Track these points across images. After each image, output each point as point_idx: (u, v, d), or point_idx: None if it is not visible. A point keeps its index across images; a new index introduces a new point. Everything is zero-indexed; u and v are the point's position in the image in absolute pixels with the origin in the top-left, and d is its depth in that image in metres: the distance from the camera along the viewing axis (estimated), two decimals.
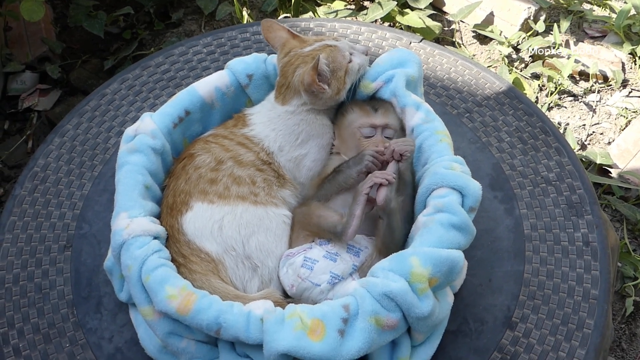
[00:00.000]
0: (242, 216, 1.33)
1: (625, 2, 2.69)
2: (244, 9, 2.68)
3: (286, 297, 1.32)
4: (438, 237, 1.23)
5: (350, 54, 1.45)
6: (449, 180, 1.29)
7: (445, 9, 2.71)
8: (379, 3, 2.53)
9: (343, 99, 1.45)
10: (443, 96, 1.72)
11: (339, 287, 1.29)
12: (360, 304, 1.18)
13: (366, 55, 1.49)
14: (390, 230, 1.28)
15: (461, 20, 2.68)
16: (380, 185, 1.26)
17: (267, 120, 1.45)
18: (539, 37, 2.56)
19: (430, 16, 2.59)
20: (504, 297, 1.40)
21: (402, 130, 1.45)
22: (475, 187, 1.29)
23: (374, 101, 1.47)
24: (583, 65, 2.52)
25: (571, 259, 1.44)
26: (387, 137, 1.42)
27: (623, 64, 2.54)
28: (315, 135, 1.46)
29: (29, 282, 1.45)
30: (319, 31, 1.90)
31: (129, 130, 1.43)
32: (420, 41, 1.86)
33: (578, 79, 2.53)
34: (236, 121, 1.48)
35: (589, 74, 2.50)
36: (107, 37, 2.70)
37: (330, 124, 1.47)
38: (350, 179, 1.35)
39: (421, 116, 1.40)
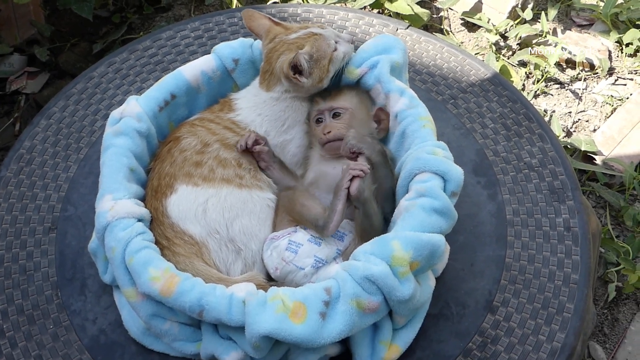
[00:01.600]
0: (226, 199, 1.34)
1: None
2: None
3: (270, 280, 1.33)
4: (420, 222, 1.24)
5: (336, 42, 1.46)
6: (431, 165, 1.30)
7: None
8: None
9: (326, 85, 1.46)
10: (428, 82, 1.73)
11: (323, 271, 1.30)
12: (341, 287, 1.19)
13: (351, 43, 1.50)
14: (367, 217, 1.29)
15: (449, 8, 2.68)
16: (355, 177, 1.27)
17: (252, 106, 1.46)
18: (527, 25, 2.57)
19: (418, 3, 2.59)
20: (486, 281, 1.41)
21: (380, 111, 1.45)
22: (457, 172, 1.30)
23: (329, 89, 1.48)
24: (570, 53, 2.53)
25: (552, 244, 1.45)
26: (335, 115, 1.43)
27: (610, 52, 2.55)
28: (301, 121, 1.47)
29: (13, 263, 1.46)
30: (307, 17, 1.91)
31: (115, 113, 1.43)
32: (407, 28, 1.86)
33: (565, 66, 2.54)
34: (222, 106, 1.48)
35: (575, 61, 2.51)
36: (96, 21, 2.69)
37: None
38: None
39: (405, 102, 1.41)
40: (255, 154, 1.39)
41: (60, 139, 1.64)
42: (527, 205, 1.51)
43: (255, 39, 1.54)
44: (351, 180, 1.27)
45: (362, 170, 1.27)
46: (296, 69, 1.38)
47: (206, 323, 1.26)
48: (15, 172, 1.59)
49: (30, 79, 2.56)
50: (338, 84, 1.49)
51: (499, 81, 1.72)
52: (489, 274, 1.42)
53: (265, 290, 1.22)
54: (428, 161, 1.30)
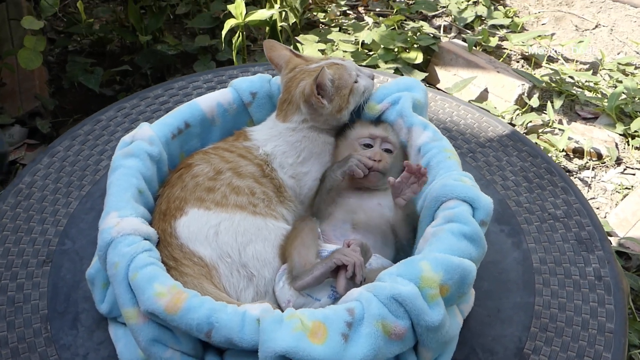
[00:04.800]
0: (240, 224, 1.25)
1: (615, 86, 2.74)
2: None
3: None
4: (449, 246, 1.16)
5: (357, 75, 1.43)
6: (459, 192, 1.23)
7: (439, 85, 2.74)
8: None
9: (345, 119, 1.41)
10: (445, 137, 1.69)
11: (341, 299, 1.19)
12: (366, 308, 1.08)
13: (372, 79, 1.47)
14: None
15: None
16: (342, 267, 1.17)
17: (268, 138, 1.41)
18: (533, 113, 2.57)
19: None
20: (514, 328, 1.31)
21: (404, 156, 1.40)
22: (486, 200, 1.24)
23: (376, 121, 1.44)
24: (576, 142, 2.52)
25: (583, 292, 1.36)
26: (386, 150, 1.38)
27: (616, 143, 2.54)
28: (317, 153, 1.41)
29: (1, 294, 1.34)
30: None
31: (125, 138, 1.37)
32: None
33: (572, 156, 2.52)
34: (237, 137, 1.43)
35: (582, 151, 2.50)
36: (101, 99, 2.68)
37: (333, 142, 1.42)
38: (336, 181, 1.32)
39: (429, 135, 1.36)
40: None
41: (62, 176, 1.57)
42: (555, 254, 1.43)
43: (273, 76, 1.51)
44: (341, 266, 1.17)
45: (353, 264, 1.16)
46: (320, 88, 1.33)
47: (211, 353, 1.15)
48: (12, 205, 1.50)
49: (29, 150, 2.52)
50: (361, 119, 1.44)
51: (518, 137, 1.68)
52: (517, 320, 1.32)
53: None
54: (455, 188, 1.23)
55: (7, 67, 2.49)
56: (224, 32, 2.24)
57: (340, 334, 1.06)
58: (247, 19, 2.25)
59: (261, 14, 2.28)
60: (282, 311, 1.20)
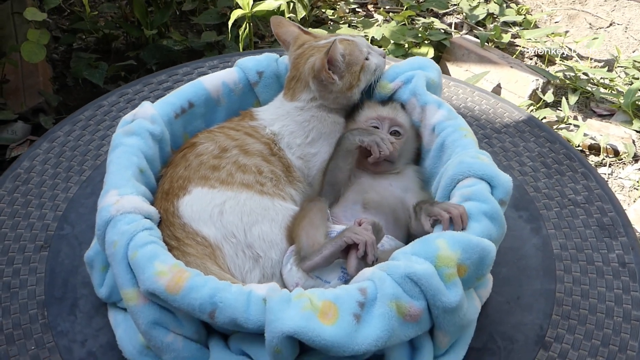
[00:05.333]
0: (246, 203, 1.19)
1: (631, 83, 2.67)
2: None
3: None
4: (467, 225, 1.10)
5: (368, 53, 1.37)
6: (477, 169, 1.17)
7: None
8: None
9: (356, 98, 1.35)
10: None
11: (353, 279, 1.12)
12: (379, 287, 1.02)
13: (383, 57, 1.41)
14: None
15: None
16: (353, 246, 1.10)
17: (275, 117, 1.35)
18: (548, 109, 2.51)
19: None
20: (535, 315, 1.24)
21: (417, 137, 1.34)
22: (505, 178, 1.17)
23: (385, 101, 1.38)
24: (592, 139, 2.45)
25: (607, 279, 1.29)
26: (394, 133, 1.31)
27: (633, 140, 2.47)
28: (326, 133, 1.34)
29: None
30: None
31: (127, 117, 1.32)
32: None
33: (588, 153, 2.45)
34: (243, 117, 1.37)
35: (599, 147, 2.43)
36: None
37: (343, 123, 1.36)
38: (352, 145, 1.25)
39: (443, 113, 1.30)
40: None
41: (62, 161, 1.51)
42: (576, 240, 1.37)
43: (281, 55, 1.46)
44: (351, 245, 1.10)
45: (365, 243, 1.09)
46: (330, 63, 1.27)
47: (215, 338, 1.08)
48: (10, 190, 1.44)
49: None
50: (369, 100, 1.38)
51: (535, 123, 1.62)
52: (538, 308, 1.25)
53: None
54: (473, 165, 1.17)
55: (10, 63, 2.44)
56: (230, 22, 2.19)
57: (352, 314, 0.99)
58: (255, 9, 2.20)
59: (269, 4, 2.22)
60: None
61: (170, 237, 1.16)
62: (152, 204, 1.22)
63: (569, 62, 2.83)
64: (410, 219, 1.22)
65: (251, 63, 1.42)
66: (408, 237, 1.25)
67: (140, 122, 1.28)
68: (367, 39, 2.73)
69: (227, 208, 1.18)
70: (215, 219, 1.17)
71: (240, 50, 2.35)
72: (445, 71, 2.71)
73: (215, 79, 1.40)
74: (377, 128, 1.31)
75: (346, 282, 1.12)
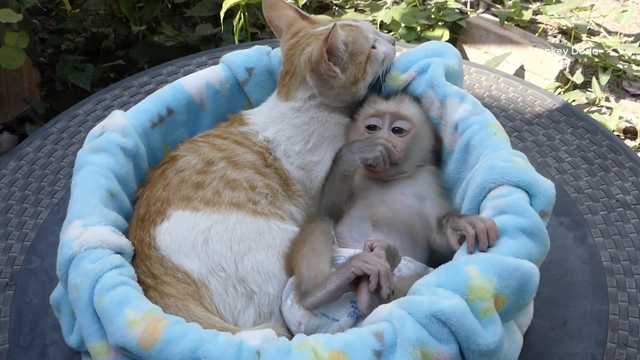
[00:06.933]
0: (236, 227, 1.00)
1: None
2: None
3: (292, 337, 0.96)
4: (502, 244, 0.90)
5: (375, 40, 1.17)
6: (512, 175, 0.97)
7: None
8: None
9: (362, 94, 1.15)
10: None
11: (366, 320, 0.93)
12: (399, 331, 0.83)
13: (393, 45, 1.21)
14: None
15: None
16: (364, 277, 0.91)
17: (269, 121, 1.16)
18: (577, 91, 2.29)
19: None
20: (586, 343, 1.06)
21: (432, 132, 1.14)
22: (546, 185, 0.98)
23: (391, 93, 1.17)
24: (627, 121, 2.24)
25: None
26: (397, 131, 1.10)
27: None
28: (330, 137, 1.15)
29: None
30: None
31: (94, 129, 1.14)
32: None
33: (623, 137, 2.24)
34: (231, 122, 1.18)
35: (635, 131, 2.21)
36: None
37: (348, 123, 1.16)
38: (352, 166, 1.04)
39: (467, 108, 1.10)
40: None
41: (31, 182, 1.32)
42: (628, 249, 1.17)
43: (273, 48, 1.26)
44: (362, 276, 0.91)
45: (378, 272, 0.90)
46: (330, 53, 1.07)
47: None
48: None
49: None
50: (378, 94, 1.18)
51: (572, 111, 1.41)
52: (589, 334, 1.07)
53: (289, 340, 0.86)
54: (507, 170, 0.97)
55: None
56: (222, 12, 1.99)
57: None
58: None
59: None
60: (292, 336, 0.95)
61: (146, 274, 0.97)
62: (127, 233, 1.03)
63: (596, 39, 2.61)
64: (432, 231, 1.02)
65: (238, 59, 1.23)
66: (430, 255, 1.05)
67: (110, 136, 1.09)
68: (376, 24, 2.52)
69: (214, 235, 0.99)
70: (200, 250, 0.98)
71: (236, 43, 2.16)
72: (463, 55, 2.50)
73: (197, 80, 1.20)
74: (377, 127, 1.11)
75: (358, 318, 0.93)
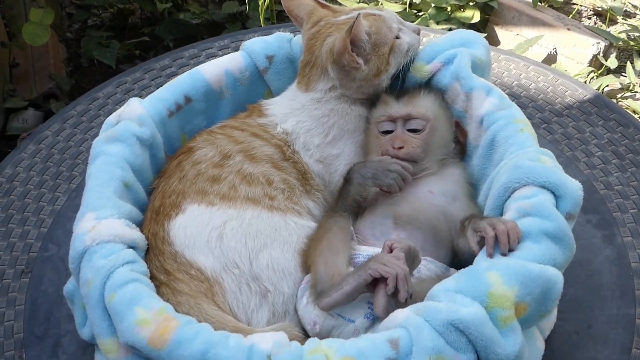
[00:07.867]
0: (252, 224, 0.98)
1: None
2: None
3: (308, 337, 0.94)
4: (525, 248, 0.87)
5: (399, 30, 1.13)
6: (537, 175, 0.93)
7: (500, 47, 2.41)
8: None
9: (384, 86, 1.11)
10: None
11: (382, 324, 0.90)
12: (415, 338, 0.81)
13: (417, 34, 1.17)
14: None
15: None
16: (382, 279, 0.88)
17: (288, 112, 1.13)
18: (611, 75, 2.22)
19: None
20: (611, 349, 1.03)
21: (456, 127, 1.10)
22: (573, 186, 0.94)
23: (404, 89, 1.14)
24: None
25: None
26: (412, 131, 1.07)
27: None
28: (350, 130, 1.12)
29: None
30: None
31: (111, 117, 1.12)
32: None
33: None
34: (250, 112, 1.15)
35: None
36: None
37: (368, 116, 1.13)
38: (364, 191, 1.03)
39: (494, 102, 1.06)
40: None
41: (49, 166, 1.32)
42: None
43: (295, 35, 1.23)
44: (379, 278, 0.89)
45: (396, 275, 0.87)
46: (354, 44, 1.04)
47: None
48: None
49: None
50: (402, 87, 1.14)
51: (604, 103, 1.36)
52: (615, 338, 1.04)
53: (302, 343, 0.84)
54: (532, 170, 0.94)
55: (16, 45, 2.25)
56: None
57: None
58: None
59: None
60: (306, 336, 0.93)
61: (159, 269, 0.96)
62: (141, 225, 1.01)
63: (632, 21, 2.53)
64: (457, 233, 0.99)
65: (259, 46, 1.20)
66: (453, 255, 1.02)
67: (126, 125, 1.07)
68: (405, 3, 2.46)
69: (228, 231, 0.97)
70: (214, 245, 0.96)
71: (261, 23, 2.12)
72: (494, 36, 2.43)
73: (217, 67, 1.18)
74: (391, 132, 1.08)
75: (375, 320, 0.91)
